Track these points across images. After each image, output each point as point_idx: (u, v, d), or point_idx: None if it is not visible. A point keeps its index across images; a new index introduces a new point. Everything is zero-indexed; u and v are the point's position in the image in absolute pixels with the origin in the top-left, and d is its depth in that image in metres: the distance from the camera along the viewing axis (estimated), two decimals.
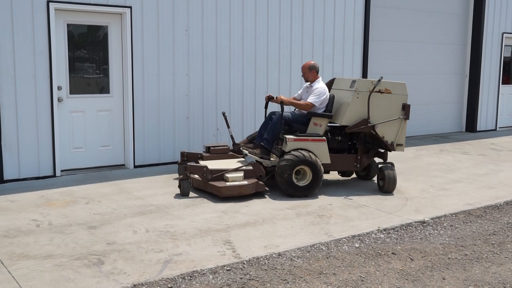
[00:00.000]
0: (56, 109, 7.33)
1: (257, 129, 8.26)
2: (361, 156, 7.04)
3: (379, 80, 6.78)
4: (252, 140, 7.47)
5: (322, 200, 6.55)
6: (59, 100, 7.45)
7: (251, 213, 5.96)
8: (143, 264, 4.45)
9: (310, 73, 7.12)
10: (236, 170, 6.65)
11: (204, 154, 7.39)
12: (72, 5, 7.30)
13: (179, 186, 6.56)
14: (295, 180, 6.56)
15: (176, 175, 7.62)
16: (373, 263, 4.61)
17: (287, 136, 6.66)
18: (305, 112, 6.99)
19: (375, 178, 7.67)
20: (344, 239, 5.18)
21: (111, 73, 7.91)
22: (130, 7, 7.73)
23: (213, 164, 6.94)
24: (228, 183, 6.41)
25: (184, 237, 5.13)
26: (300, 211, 6.10)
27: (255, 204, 6.28)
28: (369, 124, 6.82)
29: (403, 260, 4.69)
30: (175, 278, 4.19)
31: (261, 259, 4.64)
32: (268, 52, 9.23)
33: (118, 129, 8.04)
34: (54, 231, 5.24)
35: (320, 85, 7.05)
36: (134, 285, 4.04)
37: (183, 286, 4.08)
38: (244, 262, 4.56)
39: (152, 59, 8.05)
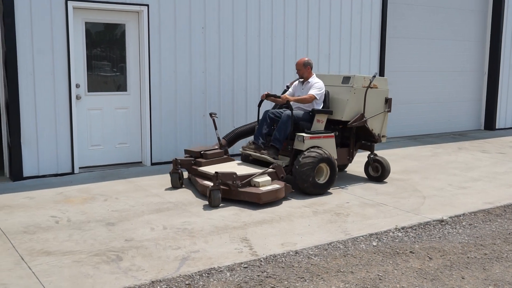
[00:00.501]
0: (74, 106, 7.39)
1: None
2: (353, 150, 7.28)
3: (374, 76, 7.07)
4: (231, 141, 7.47)
5: (339, 198, 6.52)
6: (77, 97, 7.51)
7: (267, 210, 5.95)
8: (161, 261, 4.47)
9: (305, 69, 7.13)
10: (262, 173, 6.36)
11: (201, 160, 6.89)
12: (90, 3, 7.36)
13: (209, 197, 6.03)
14: (316, 178, 6.56)
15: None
16: (391, 262, 4.58)
17: (304, 135, 6.62)
18: (308, 110, 7.00)
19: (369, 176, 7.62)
20: (361, 238, 5.15)
21: (128, 71, 7.95)
22: (147, 5, 7.76)
23: (219, 169, 6.51)
24: (262, 188, 6.12)
25: (201, 234, 5.15)
26: (317, 209, 6.08)
27: (272, 202, 6.27)
28: (364, 119, 7.06)
29: (422, 259, 4.65)
30: (192, 275, 4.20)
31: (278, 256, 4.63)
32: (284, 49, 9.21)
33: (135, 127, 8.08)
34: (73, 227, 5.28)
35: (317, 80, 7.11)
36: (152, 282, 4.06)
37: (201, 283, 4.09)
38: (261, 259, 4.55)
39: (169, 56, 8.07)
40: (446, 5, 11.68)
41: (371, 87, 7.10)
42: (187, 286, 4.03)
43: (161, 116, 8.13)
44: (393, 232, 5.32)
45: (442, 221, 5.69)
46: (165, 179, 7.32)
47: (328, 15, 9.66)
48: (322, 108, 7.07)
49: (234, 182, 6.07)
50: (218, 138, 7.34)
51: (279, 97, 7.07)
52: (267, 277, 4.22)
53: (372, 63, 10.42)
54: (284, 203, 6.26)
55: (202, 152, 7.02)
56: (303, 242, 4.99)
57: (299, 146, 6.63)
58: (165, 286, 4.00)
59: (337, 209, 6.09)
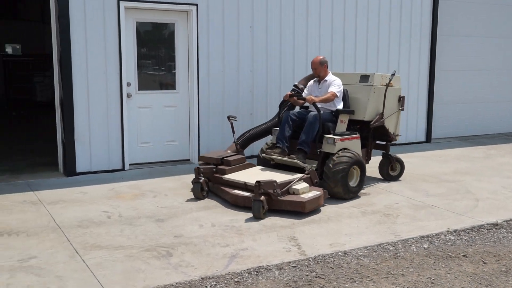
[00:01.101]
0: (125, 104, 7.55)
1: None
2: (370, 150, 7.13)
3: (393, 74, 6.93)
4: (243, 145, 7.18)
5: (388, 199, 6.42)
6: (128, 96, 7.66)
7: (315, 210, 5.92)
8: (209, 257, 4.51)
9: (322, 67, 6.87)
10: (298, 180, 5.98)
11: (225, 168, 6.38)
12: (141, 3, 7.50)
13: (253, 209, 5.63)
14: (349, 182, 6.33)
15: None
16: (443, 265, 4.47)
17: (334, 137, 6.37)
18: (332, 110, 6.74)
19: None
20: (412, 240, 5.05)
21: (177, 70, 8.06)
22: (196, 5, 7.85)
23: (249, 177, 6.15)
24: (304, 196, 5.76)
25: (249, 232, 5.16)
26: (366, 209, 6.00)
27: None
28: (382, 118, 6.94)
29: (475, 264, 4.52)
30: (241, 273, 4.21)
31: (327, 256, 4.60)
32: (332, 49, 9.13)
33: (183, 125, 8.18)
34: (124, 223, 5.39)
35: (335, 77, 6.88)
36: (202, 278, 4.10)
37: (250, 281, 4.10)
38: (310, 259, 4.53)
39: (217, 55, 8.14)
40: (501, 1, 11.29)
41: (388, 86, 6.95)
42: (236, 283, 4.05)
43: (209, 114, 8.20)
44: (445, 235, 5.19)
45: (497, 224, 5.51)
46: None
47: (377, 13, 9.51)
48: (343, 107, 6.84)
49: (275, 190, 5.65)
50: (236, 144, 7.10)
51: (303, 98, 6.78)
52: (316, 277, 4.19)
53: (422, 61, 10.20)
54: (332, 203, 6.21)
55: (223, 158, 6.54)
56: (351, 242, 4.94)
57: (329, 149, 6.37)
58: (214, 283, 4.04)
59: (386, 210, 5.99)
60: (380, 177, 7.43)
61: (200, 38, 7.96)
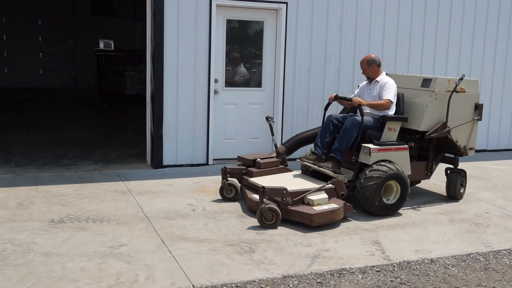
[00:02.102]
0: (212, 101, 7.70)
1: None
2: (432, 163, 6.29)
3: (461, 79, 6.07)
4: (291, 148, 6.63)
5: (478, 208, 6.14)
6: (215, 92, 7.81)
7: (400, 214, 5.76)
8: (292, 256, 4.51)
9: (369, 68, 6.23)
10: (318, 190, 5.51)
11: (253, 170, 6.16)
12: (232, 1, 7.62)
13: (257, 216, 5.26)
14: (383, 198, 5.71)
15: None
16: None
17: (370, 146, 5.71)
18: (379, 115, 6.08)
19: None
20: (504, 251, 4.80)
21: (264, 68, 8.12)
22: (286, 3, 7.86)
23: (274, 182, 5.73)
24: (316, 208, 5.30)
25: (331, 233, 5.11)
26: (454, 217, 5.77)
27: (405, 205, 6.06)
28: (447, 128, 6.13)
29: None
30: (324, 274, 4.19)
31: (412, 263, 4.47)
32: (423, 49, 8.85)
33: (267, 123, 8.22)
34: (208, 216, 5.51)
35: (388, 79, 6.19)
36: (284, 277, 4.11)
37: (332, 282, 4.06)
38: (395, 264, 4.42)
39: (304, 54, 8.12)
40: None
41: (457, 91, 6.15)
42: (318, 284, 4.03)
43: (293, 113, 8.20)
44: None
45: None
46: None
47: (473, 14, 9.10)
48: (395, 113, 6.12)
49: (284, 198, 5.27)
50: (275, 145, 6.66)
51: (350, 99, 6.19)
52: (400, 283, 4.09)
53: (509, 64, 9.62)
54: (418, 208, 6.03)
55: (255, 160, 6.29)
56: (438, 250, 4.77)
57: (364, 159, 5.74)
58: (296, 282, 4.04)
59: (475, 218, 5.74)
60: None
61: (288, 37, 7.97)
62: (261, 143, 8.27)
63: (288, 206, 5.28)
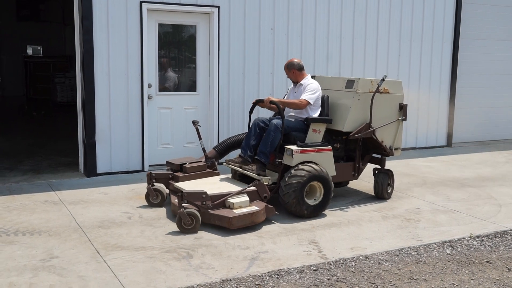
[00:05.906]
0: (146, 106, 7.59)
1: None
2: (359, 164, 6.37)
3: (382, 80, 6.17)
4: (222, 152, 6.62)
5: (409, 204, 6.36)
6: (149, 97, 7.70)
7: (336, 213, 5.88)
8: (230, 260, 4.50)
9: (290, 72, 6.30)
10: (239, 193, 5.48)
11: (179, 175, 6.10)
12: (163, 5, 7.53)
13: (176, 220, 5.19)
14: (306, 199, 5.69)
15: None
16: (466, 271, 4.41)
17: (292, 148, 5.70)
18: (303, 117, 6.15)
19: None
20: (434, 245, 4.99)
21: (198, 72, 8.08)
22: (218, 7, 7.86)
23: (198, 187, 5.69)
24: (236, 211, 5.26)
25: (269, 235, 5.15)
26: (387, 213, 5.95)
27: (340, 205, 6.20)
28: (371, 129, 6.20)
29: (499, 270, 4.45)
30: (262, 276, 4.20)
31: (348, 260, 4.56)
32: (353, 51, 9.09)
33: (203, 127, 8.19)
34: (144, 223, 5.41)
35: (311, 81, 6.25)
36: (223, 280, 4.09)
37: (271, 284, 4.08)
38: (331, 263, 4.50)
39: (238, 58, 8.15)
40: None
41: (381, 92, 6.22)
42: (257, 286, 4.04)
43: (229, 117, 8.21)
44: (468, 240, 5.13)
45: None
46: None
47: (399, 15, 9.44)
48: (320, 115, 6.17)
49: (204, 202, 5.22)
50: (204, 149, 6.59)
51: (262, 101, 6.24)
52: (337, 281, 4.17)
53: (444, 66, 10.09)
54: (352, 206, 6.17)
55: (182, 165, 6.23)
56: (373, 247, 4.90)
57: (287, 161, 5.72)
58: (235, 285, 4.03)
59: (407, 214, 5.94)
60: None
61: (221, 40, 7.97)
62: (198, 148, 8.20)
63: (209, 210, 5.24)
